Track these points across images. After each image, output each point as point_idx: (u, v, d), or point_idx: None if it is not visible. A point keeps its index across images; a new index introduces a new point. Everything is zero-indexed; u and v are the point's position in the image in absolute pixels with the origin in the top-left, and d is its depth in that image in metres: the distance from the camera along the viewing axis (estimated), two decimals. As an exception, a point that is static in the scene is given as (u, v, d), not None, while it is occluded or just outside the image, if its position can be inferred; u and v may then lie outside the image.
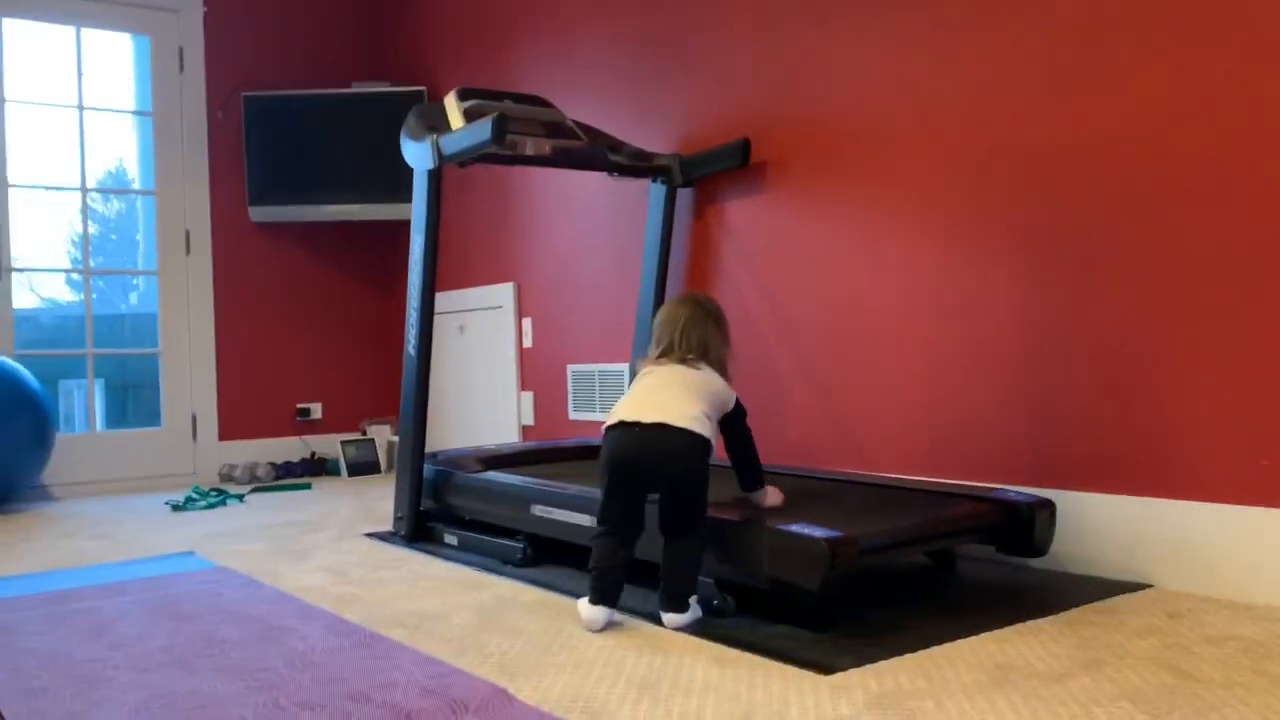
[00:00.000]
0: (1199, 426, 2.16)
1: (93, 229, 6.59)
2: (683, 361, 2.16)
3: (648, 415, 2.05)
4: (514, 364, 4.27)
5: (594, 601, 2.00)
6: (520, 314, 4.26)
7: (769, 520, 2.03)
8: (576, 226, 3.96)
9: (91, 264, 4.76)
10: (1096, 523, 2.32)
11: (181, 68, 4.73)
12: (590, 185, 3.82)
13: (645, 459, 2.04)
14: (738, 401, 2.19)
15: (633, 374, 2.30)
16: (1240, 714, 1.46)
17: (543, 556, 2.61)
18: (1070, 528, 2.34)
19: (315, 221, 4.88)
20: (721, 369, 2.20)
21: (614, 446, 2.07)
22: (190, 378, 4.74)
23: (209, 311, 4.77)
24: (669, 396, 2.09)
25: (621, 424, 2.08)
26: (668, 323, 2.22)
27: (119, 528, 3.52)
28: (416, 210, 3.00)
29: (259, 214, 4.79)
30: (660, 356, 2.19)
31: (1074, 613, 2.02)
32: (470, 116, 2.89)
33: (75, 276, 4.88)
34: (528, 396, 4.22)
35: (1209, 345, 2.14)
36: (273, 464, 4.75)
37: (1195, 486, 2.17)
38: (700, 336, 2.19)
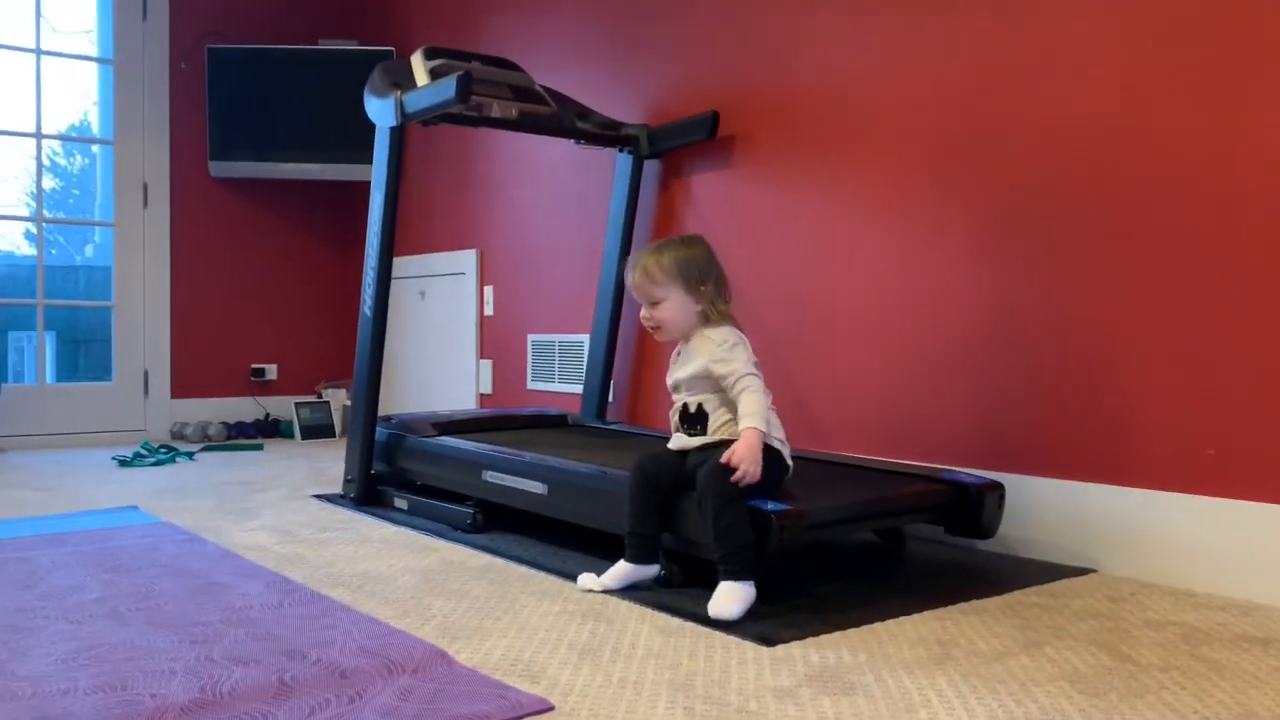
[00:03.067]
0: (1147, 414, 2.18)
1: (55, 183, 6.47)
2: None
3: None
4: (474, 331, 4.23)
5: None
6: (482, 281, 4.22)
7: (719, 492, 2.02)
8: (541, 195, 3.91)
9: (47, 214, 4.65)
10: (1044, 507, 2.33)
11: (145, 15, 4.61)
12: (556, 153, 3.77)
13: None
14: None
15: (714, 317, 2.08)
16: (1176, 696, 1.47)
17: (493, 523, 2.59)
18: (1019, 511, 2.35)
19: (277, 179, 4.80)
20: None
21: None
22: (144, 333, 4.65)
23: (165, 266, 4.68)
24: None
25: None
26: (716, 263, 2.12)
27: (63, 480, 3.46)
28: (377, 168, 2.95)
29: (219, 169, 4.70)
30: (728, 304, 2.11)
31: (1018, 594, 2.03)
32: (436, 75, 2.84)
33: (31, 228, 4.76)
34: (487, 364, 4.18)
35: (1161, 334, 2.15)
36: (225, 423, 4.68)
37: (1142, 474, 2.18)
38: None
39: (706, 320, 2.08)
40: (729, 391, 2.00)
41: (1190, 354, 2.11)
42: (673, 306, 2.08)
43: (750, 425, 1.93)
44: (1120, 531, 2.20)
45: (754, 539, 1.88)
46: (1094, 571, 2.22)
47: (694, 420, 2.06)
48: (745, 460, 1.89)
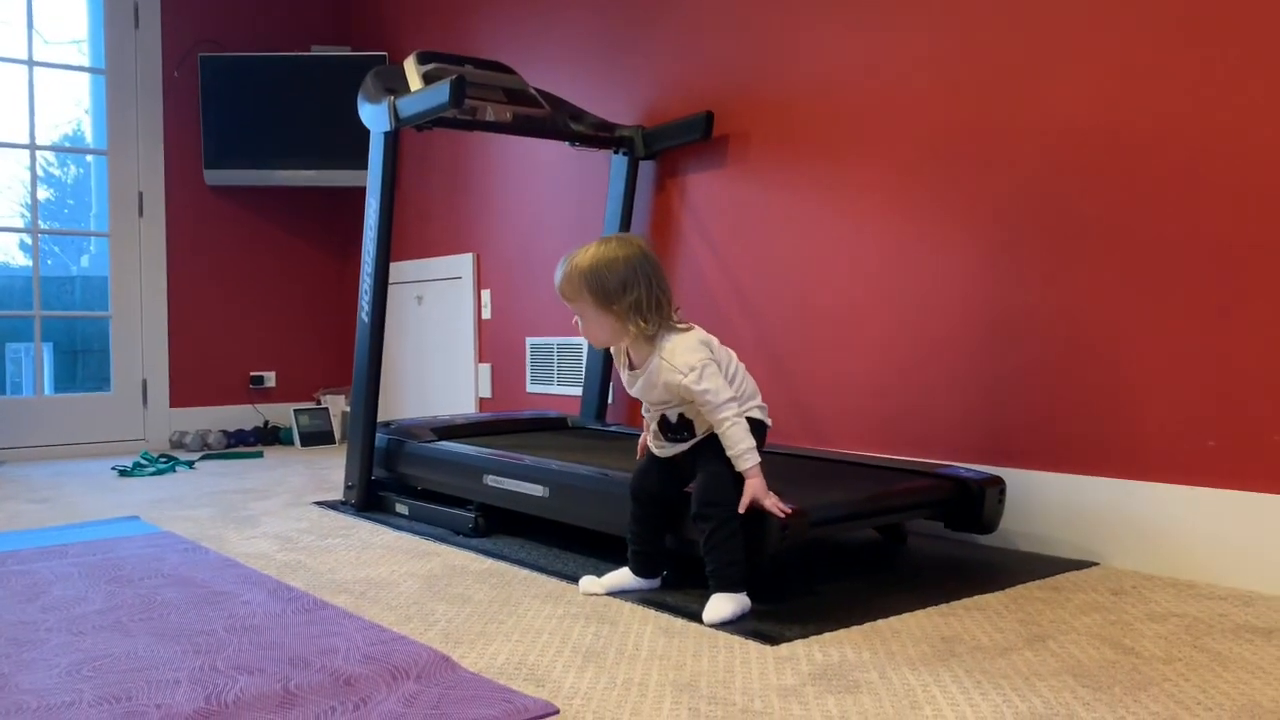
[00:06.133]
0: (1148, 407, 2.18)
1: (50, 193, 6.45)
2: None
3: None
4: (472, 335, 4.23)
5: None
6: (479, 285, 4.22)
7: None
8: (537, 198, 3.92)
9: (42, 225, 4.65)
10: (1045, 501, 2.33)
11: (137, 25, 4.61)
12: (551, 156, 3.78)
13: None
14: None
15: (654, 315, 1.89)
16: (1179, 688, 1.47)
17: (494, 526, 2.59)
18: (1020, 505, 2.35)
19: (272, 186, 4.80)
20: None
21: None
22: (141, 342, 4.65)
23: (162, 275, 4.68)
24: None
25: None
26: (642, 272, 1.90)
27: (62, 492, 3.45)
28: (372, 173, 2.95)
29: (214, 177, 4.70)
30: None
31: (1020, 589, 2.04)
32: (429, 79, 2.85)
33: (25, 238, 4.76)
34: (485, 368, 4.18)
35: (1161, 327, 2.16)
36: (225, 432, 4.68)
37: (1143, 466, 2.19)
38: None
39: (635, 331, 1.89)
40: (706, 417, 1.91)
41: (1190, 346, 2.12)
42: (589, 323, 1.92)
43: (747, 466, 1.88)
44: (1121, 524, 2.21)
45: (755, 538, 1.88)
46: (1095, 565, 2.23)
47: (678, 429, 1.97)
48: (762, 503, 1.87)
